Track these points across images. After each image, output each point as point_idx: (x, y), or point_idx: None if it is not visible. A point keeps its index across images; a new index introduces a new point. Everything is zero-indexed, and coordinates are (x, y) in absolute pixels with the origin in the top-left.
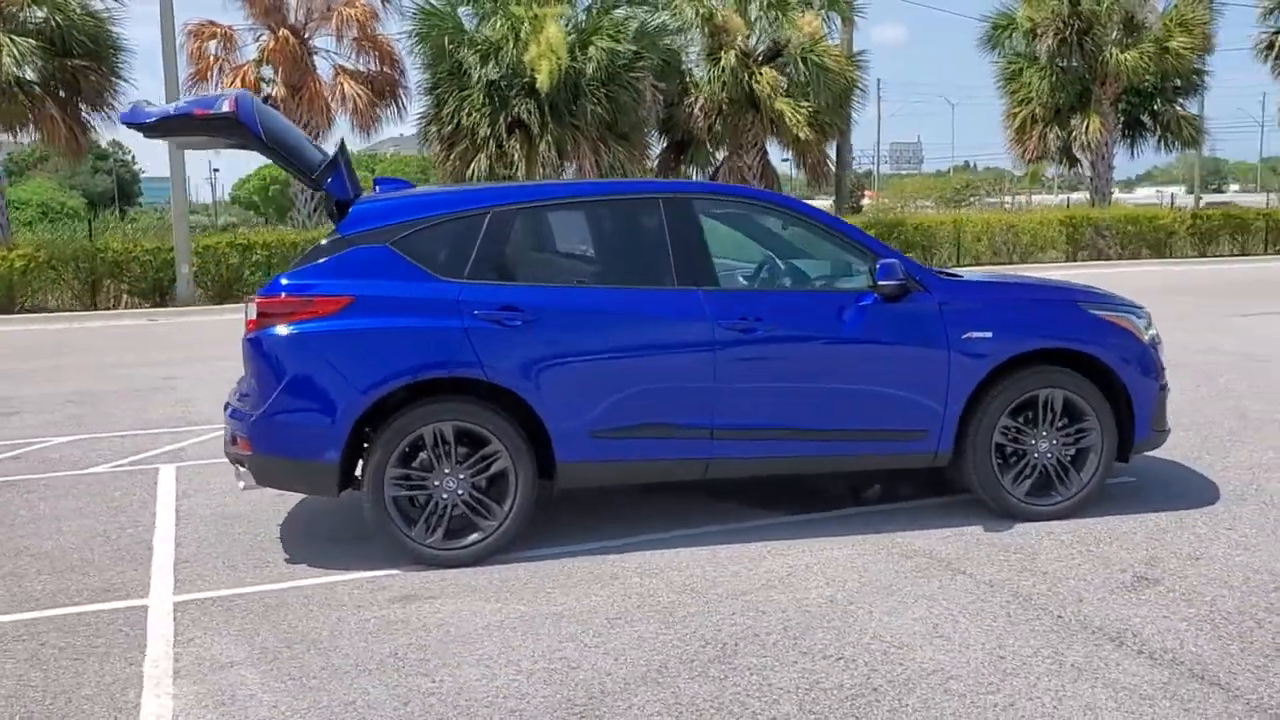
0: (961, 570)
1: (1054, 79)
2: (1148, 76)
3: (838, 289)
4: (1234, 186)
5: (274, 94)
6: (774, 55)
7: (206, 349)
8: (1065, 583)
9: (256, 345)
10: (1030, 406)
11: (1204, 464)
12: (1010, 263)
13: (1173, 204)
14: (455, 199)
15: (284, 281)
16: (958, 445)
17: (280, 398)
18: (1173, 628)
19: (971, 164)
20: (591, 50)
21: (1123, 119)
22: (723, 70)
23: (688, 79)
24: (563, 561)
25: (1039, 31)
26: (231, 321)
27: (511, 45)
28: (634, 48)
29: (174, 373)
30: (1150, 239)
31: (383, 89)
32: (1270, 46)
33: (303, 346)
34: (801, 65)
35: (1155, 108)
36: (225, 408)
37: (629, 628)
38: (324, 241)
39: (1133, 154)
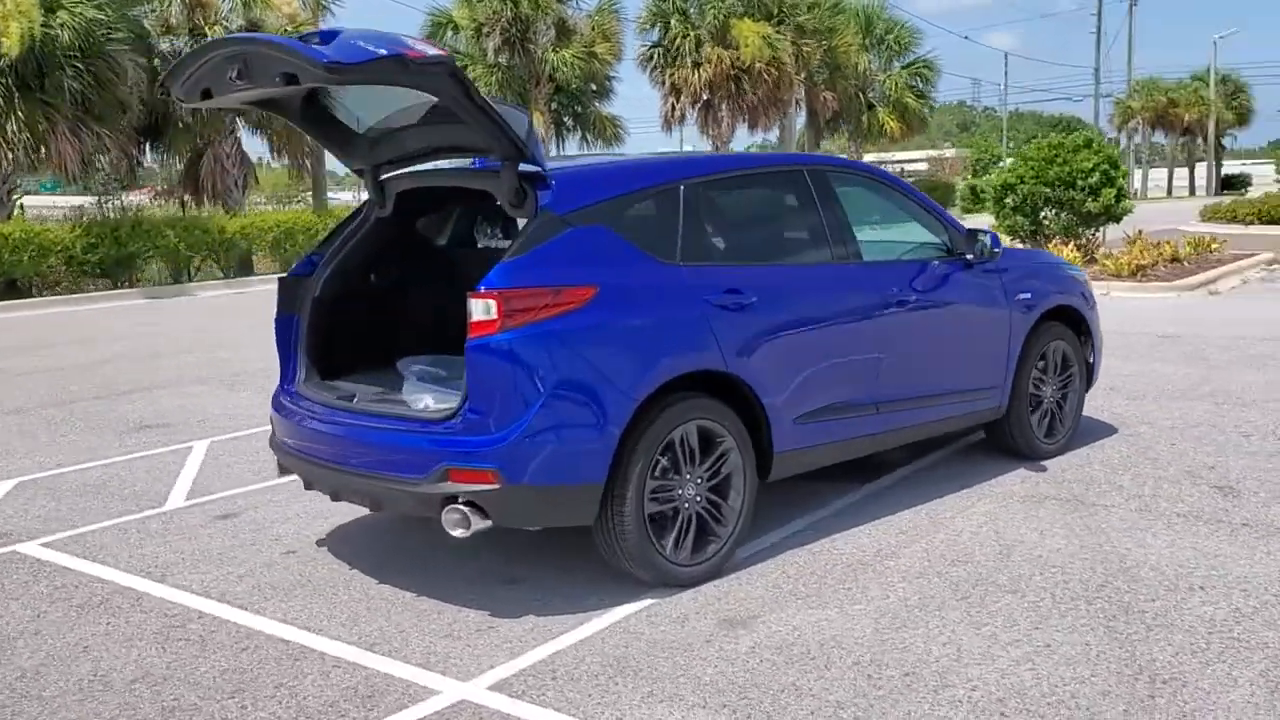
0: (1100, 504)
1: (500, 77)
2: (575, 79)
3: (939, 258)
4: None
5: None
6: None
7: None
8: (1188, 500)
9: (498, 352)
10: (1044, 357)
11: None
12: None
13: None
14: (648, 170)
15: (502, 273)
16: (1010, 397)
17: (545, 413)
18: None
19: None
20: (64, 15)
21: (551, 119)
22: None
23: (155, 56)
24: (781, 557)
25: (485, 31)
26: None
27: None
28: (105, 16)
29: None
30: None
31: None
32: (650, 59)
33: (566, 348)
34: None
35: (578, 109)
36: (382, 433)
37: (997, 603)
38: (533, 223)
39: (560, 150)
